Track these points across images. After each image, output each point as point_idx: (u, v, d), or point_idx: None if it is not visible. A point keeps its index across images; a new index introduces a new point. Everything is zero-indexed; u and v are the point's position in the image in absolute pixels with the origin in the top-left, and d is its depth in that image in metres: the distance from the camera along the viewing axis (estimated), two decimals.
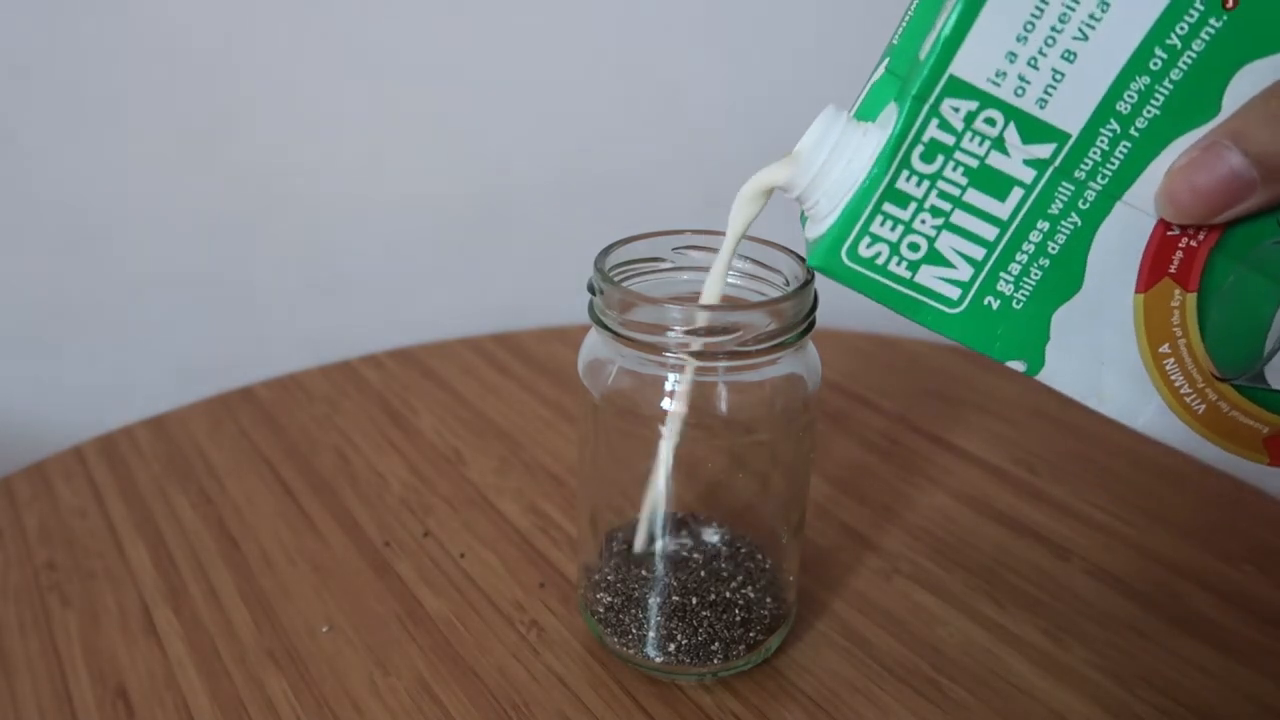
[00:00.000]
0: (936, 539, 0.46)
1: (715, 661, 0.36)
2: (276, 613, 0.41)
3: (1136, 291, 0.27)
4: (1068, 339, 0.28)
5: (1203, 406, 0.28)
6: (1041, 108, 0.25)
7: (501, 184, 0.69)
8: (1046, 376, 0.28)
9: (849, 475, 0.51)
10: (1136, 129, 0.26)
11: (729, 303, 0.36)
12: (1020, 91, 0.25)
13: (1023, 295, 0.27)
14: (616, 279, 0.34)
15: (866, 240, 0.27)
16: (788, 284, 0.34)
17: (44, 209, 0.59)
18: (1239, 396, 0.28)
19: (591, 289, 0.34)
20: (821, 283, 0.34)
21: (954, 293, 0.28)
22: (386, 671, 0.38)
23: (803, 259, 0.34)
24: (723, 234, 0.36)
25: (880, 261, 0.28)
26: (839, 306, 0.38)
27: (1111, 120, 0.25)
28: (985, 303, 0.28)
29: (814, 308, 0.34)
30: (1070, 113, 0.25)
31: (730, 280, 0.37)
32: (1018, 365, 0.28)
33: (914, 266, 0.28)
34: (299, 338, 0.67)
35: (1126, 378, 0.28)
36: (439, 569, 0.44)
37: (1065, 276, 0.27)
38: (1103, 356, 0.28)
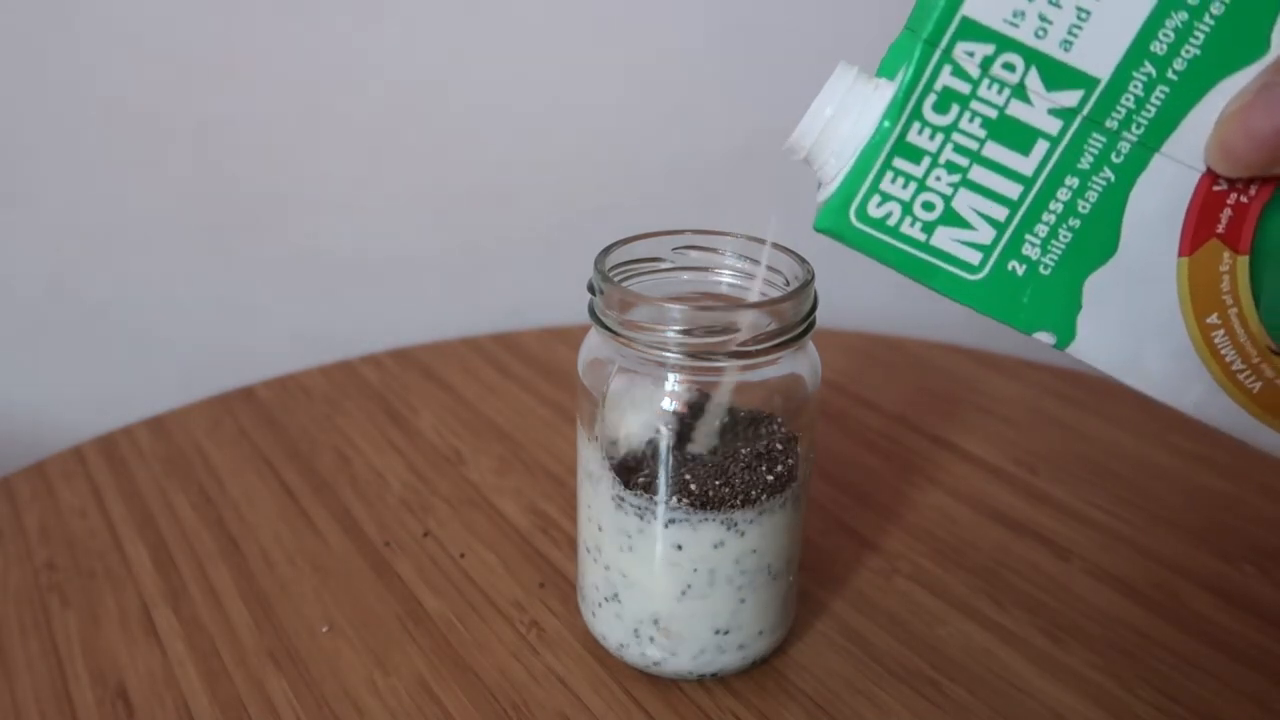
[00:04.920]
0: (936, 539, 0.46)
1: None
2: (276, 613, 0.41)
3: (1180, 255, 0.24)
4: (1102, 308, 0.25)
5: (1258, 384, 0.25)
6: (1066, 50, 0.23)
7: (502, 184, 0.69)
8: (1079, 350, 0.26)
9: (849, 475, 0.51)
10: (1174, 72, 0.23)
11: (729, 303, 0.36)
12: (1041, 33, 0.23)
13: (1051, 260, 0.25)
14: (616, 279, 0.34)
15: (876, 199, 0.25)
16: (788, 284, 0.34)
17: (44, 209, 0.59)
18: None
19: (591, 289, 0.34)
20: (821, 283, 0.34)
21: (974, 257, 0.25)
22: (386, 671, 0.38)
23: (803, 259, 0.34)
24: (722, 234, 0.36)
25: (892, 222, 0.25)
26: (839, 306, 0.38)
27: (1145, 63, 0.23)
28: (1009, 268, 0.25)
29: (814, 308, 0.34)
30: (1099, 55, 0.23)
31: (729, 280, 0.37)
32: (1046, 338, 0.26)
33: (929, 228, 0.25)
34: (299, 338, 0.67)
35: (1170, 352, 0.25)
36: (439, 569, 0.44)
37: (1098, 239, 0.25)
38: (1143, 328, 0.25)
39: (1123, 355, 0.26)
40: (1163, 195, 0.24)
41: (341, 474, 0.50)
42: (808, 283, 0.33)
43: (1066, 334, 0.26)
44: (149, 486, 0.49)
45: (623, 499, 0.35)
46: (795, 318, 0.33)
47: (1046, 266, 0.25)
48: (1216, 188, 0.24)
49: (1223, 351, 0.25)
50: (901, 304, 0.73)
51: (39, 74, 0.56)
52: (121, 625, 0.41)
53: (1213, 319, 0.25)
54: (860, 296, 0.71)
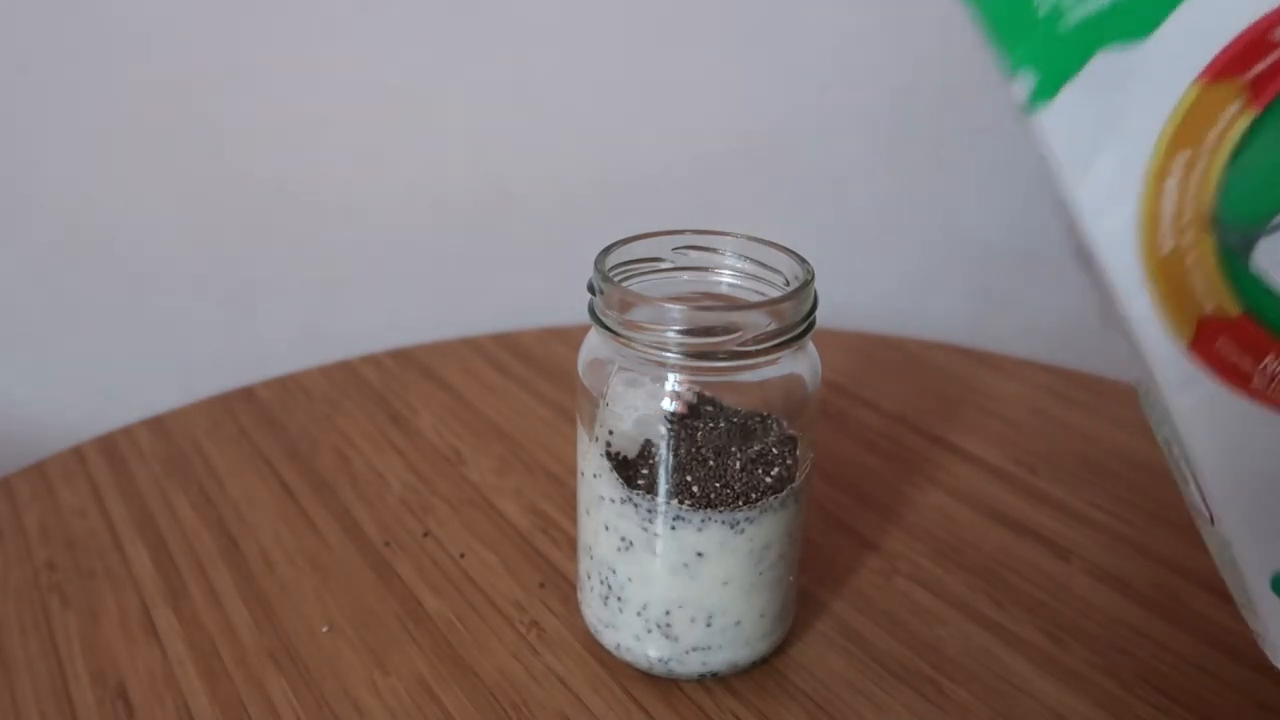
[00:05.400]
0: (936, 539, 0.46)
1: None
2: (276, 613, 0.41)
3: (1199, 77, 0.22)
4: (1094, 88, 0.23)
5: (1170, 244, 0.24)
6: None
7: (502, 184, 0.69)
8: (1046, 117, 0.23)
9: (849, 475, 0.51)
10: None
11: (729, 303, 0.36)
12: None
13: (1081, 13, 0.23)
14: (616, 279, 0.34)
15: None
16: (788, 284, 0.34)
17: (44, 209, 0.59)
18: (1213, 256, 0.24)
19: (591, 289, 0.34)
20: (821, 283, 0.34)
21: None
22: (386, 671, 0.38)
23: (803, 259, 0.34)
24: (722, 234, 0.36)
25: None
26: (839, 306, 0.38)
27: None
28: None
29: (814, 308, 0.34)
30: None
31: (730, 280, 0.37)
32: (1025, 81, 0.23)
33: None
34: (299, 338, 0.67)
35: (1122, 168, 0.23)
36: (439, 569, 0.44)
37: (1139, 17, 0.22)
38: (1116, 129, 0.23)
39: (1079, 149, 0.23)
40: (1222, 8, 0.22)
41: (341, 474, 0.50)
42: (808, 283, 0.33)
43: (1046, 93, 0.23)
44: (149, 486, 0.49)
45: (623, 499, 0.35)
46: (795, 318, 0.33)
47: (1072, 18, 0.23)
48: (1273, 35, 0.22)
49: (1165, 195, 0.23)
50: (901, 304, 0.73)
51: (39, 73, 0.56)
52: (121, 625, 0.41)
53: (1183, 156, 0.23)
54: (860, 296, 0.71)
